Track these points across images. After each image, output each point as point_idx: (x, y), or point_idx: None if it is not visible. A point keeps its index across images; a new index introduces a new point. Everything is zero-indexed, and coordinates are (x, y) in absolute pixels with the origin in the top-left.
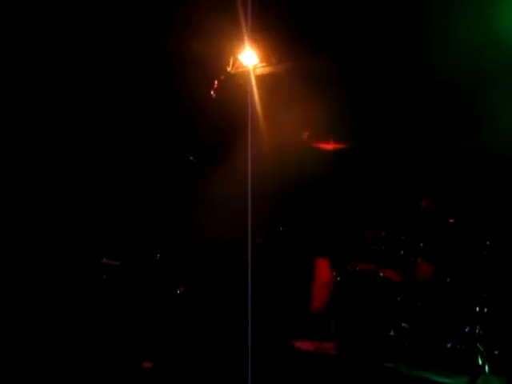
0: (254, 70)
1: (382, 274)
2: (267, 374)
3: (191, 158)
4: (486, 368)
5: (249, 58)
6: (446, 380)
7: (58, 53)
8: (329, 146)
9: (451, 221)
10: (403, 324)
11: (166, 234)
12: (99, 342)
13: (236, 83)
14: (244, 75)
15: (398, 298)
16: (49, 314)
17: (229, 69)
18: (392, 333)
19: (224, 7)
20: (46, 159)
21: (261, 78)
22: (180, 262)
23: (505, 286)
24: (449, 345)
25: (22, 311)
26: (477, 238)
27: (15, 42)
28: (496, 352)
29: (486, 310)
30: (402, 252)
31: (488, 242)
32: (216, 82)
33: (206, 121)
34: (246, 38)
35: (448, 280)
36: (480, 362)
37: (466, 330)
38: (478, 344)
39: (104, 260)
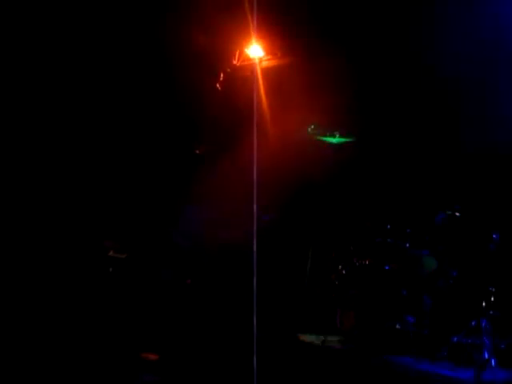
0: (260, 62)
1: (387, 267)
2: (273, 367)
3: (197, 151)
4: (492, 362)
5: (255, 51)
6: (451, 373)
7: (62, 43)
8: (334, 140)
9: (457, 214)
10: (409, 317)
11: (171, 226)
12: (106, 335)
13: (242, 76)
14: (250, 68)
15: (404, 292)
16: (56, 308)
17: (235, 61)
18: (398, 326)
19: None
20: (53, 154)
21: (267, 71)
22: (185, 254)
23: (511, 280)
24: (455, 338)
25: (28, 305)
26: (483, 231)
27: (19, 39)
28: (502, 346)
29: (492, 303)
30: (407, 245)
31: (494, 236)
32: (222, 75)
33: (212, 114)
34: (252, 30)
35: (454, 273)
36: (486, 355)
37: (473, 323)
38: (484, 338)
39: (110, 253)
